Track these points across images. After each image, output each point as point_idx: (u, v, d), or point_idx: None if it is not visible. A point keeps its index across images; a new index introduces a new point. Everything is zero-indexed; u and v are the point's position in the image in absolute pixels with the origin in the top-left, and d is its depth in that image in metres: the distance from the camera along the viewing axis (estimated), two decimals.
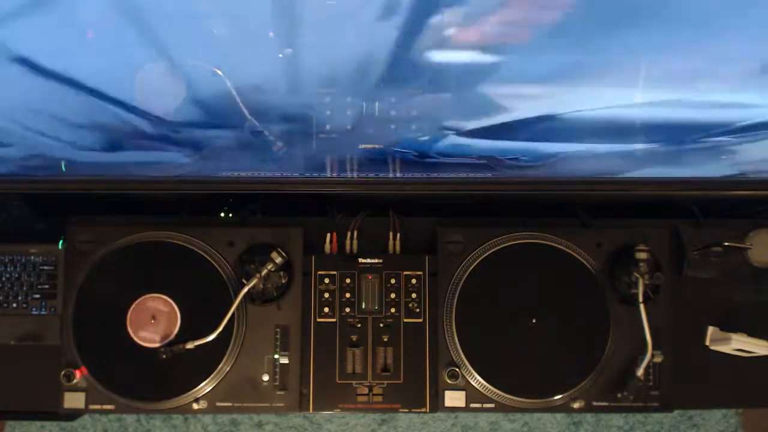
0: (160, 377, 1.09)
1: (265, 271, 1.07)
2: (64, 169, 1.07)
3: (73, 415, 1.28)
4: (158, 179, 1.08)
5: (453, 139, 0.94)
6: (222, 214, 1.23)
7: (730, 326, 1.14)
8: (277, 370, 1.11)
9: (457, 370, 1.09)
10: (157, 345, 1.08)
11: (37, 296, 1.17)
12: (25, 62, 0.73)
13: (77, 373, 1.08)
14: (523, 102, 0.83)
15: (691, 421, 1.69)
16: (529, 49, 0.72)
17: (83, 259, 1.12)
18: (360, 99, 0.81)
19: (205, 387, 1.09)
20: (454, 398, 1.10)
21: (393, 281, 1.13)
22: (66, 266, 1.14)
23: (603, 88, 0.82)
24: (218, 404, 1.10)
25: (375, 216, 1.20)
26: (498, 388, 1.09)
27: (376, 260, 1.14)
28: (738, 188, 1.09)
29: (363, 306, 1.13)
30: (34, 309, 1.17)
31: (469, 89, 0.80)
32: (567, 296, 1.11)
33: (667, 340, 1.11)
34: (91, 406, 1.09)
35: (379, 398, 1.11)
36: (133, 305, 1.09)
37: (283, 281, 1.11)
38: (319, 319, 1.12)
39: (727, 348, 1.13)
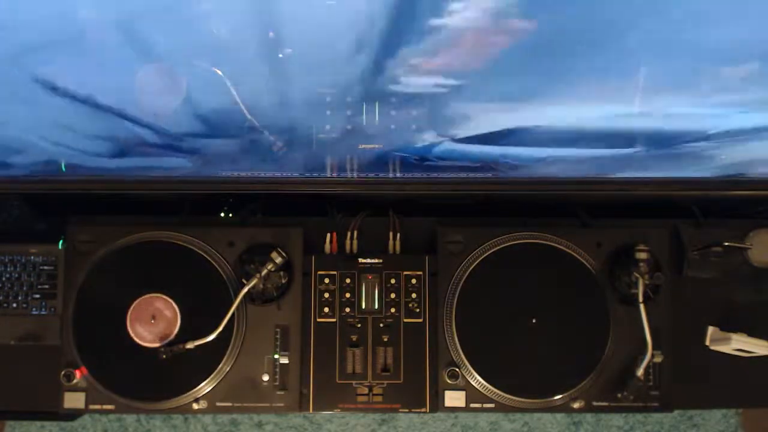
0: (160, 377, 1.09)
1: (265, 271, 1.07)
2: (64, 169, 1.07)
3: (73, 415, 1.28)
4: (158, 179, 1.08)
5: (448, 145, 0.98)
6: (222, 214, 1.23)
7: (730, 326, 1.14)
8: (277, 370, 1.11)
9: (457, 370, 1.09)
10: (157, 345, 1.08)
11: (37, 296, 1.17)
12: (44, 83, 0.82)
13: (77, 373, 1.08)
14: (498, 115, 0.90)
15: (691, 421, 1.69)
16: (490, 72, 0.80)
17: (83, 259, 1.12)
18: (343, 114, 0.88)
19: (205, 387, 1.09)
20: (454, 398, 1.10)
21: (393, 281, 1.13)
22: (66, 266, 1.14)
23: (569, 105, 0.88)
24: (218, 404, 1.10)
25: (375, 216, 1.20)
26: (498, 388, 1.09)
27: (376, 260, 1.14)
28: (738, 188, 1.08)
29: (363, 306, 1.13)
30: (34, 309, 1.17)
31: (442, 106, 0.87)
32: (567, 296, 1.11)
33: (667, 340, 1.11)
34: (91, 406, 1.09)
35: (379, 398, 1.11)
36: (133, 305, 1.09)
37: (283, 281, 1.11)
38: (319, 319, 1.12)
39: (727, 348, 1.13)
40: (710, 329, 1.16)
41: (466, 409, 1.10)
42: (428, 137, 0.96)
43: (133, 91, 0.84)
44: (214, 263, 1.12)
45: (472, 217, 1.19)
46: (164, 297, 1.10)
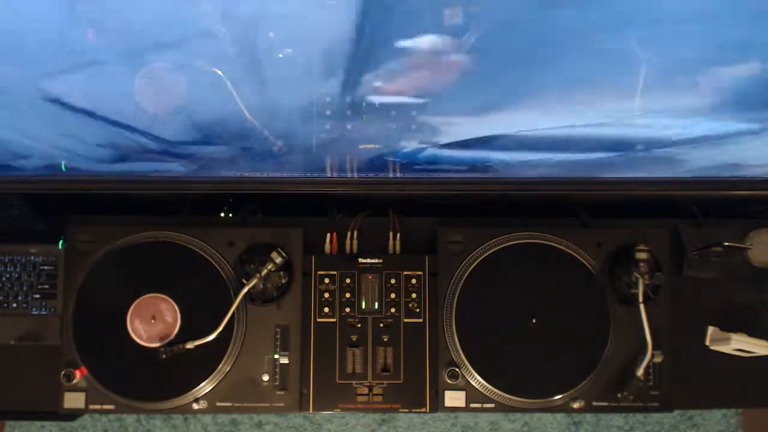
0: (160, 377, 1.09)
1: (265, 271, 1.07)
2: (64, 169, 1.07)
3: (73, 415, 1.28)
4: (158, 179, 1.08)
5: (433, 150, 1.02)
6: (222, 214, 1.23)
7: (730, 326, 1.14)
8: (277, 370, 1.11)
9: (457, 370, 1.09)
10: (157, 345, 1.08)
11: (37, 296, 1.17)
12: (53, 100, 0.90)
13: (77, 373, 1.08)
14: (468, 126, 0.95)
15: (691, 421, 1.69)
16: (451, 91, 0.88)
17: (83, 259, 1.12)
18: (327, 123, 0.95)
19: (205, 387, 1.09)
20: (454, 398, 1.10)
21: (393, 281, 1.13)
22: (66, 266, 1.14)
23: (533, 115, 0.94)
24: (218, 404, 1.10)
25: (375, 216, 1.20)
26: (498, 388, 1.09)
27: (376, 260, 1.14)
28: (738, 188, 1.09)
29: (363, 306, 1.13)
30: (34, 309, 1.17)
31: (414, 118, 0.93)
32: (567, 296, 1.11)
33: (667, 340, 1.11)
34: (91, 406, 1.09)
35: (379, 398, 1.11)
36: (133, 305, 1.09)
37: (283, 281, 1.11)
38: (319, 319, 1.12)
39: (727, 348, 1.13)
40: (710, 329, 1.16)
41: (466, 409, 1.10)
42: (411, 144, 1.00)
43: (132, 103, 0.90)
44: (214, 263, 1.12)
45: (472, 217, 1.19)
46: (164, 297, 1.10)
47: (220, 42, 0.80)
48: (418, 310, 1.12)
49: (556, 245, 1.13)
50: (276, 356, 1.11)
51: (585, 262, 1.12)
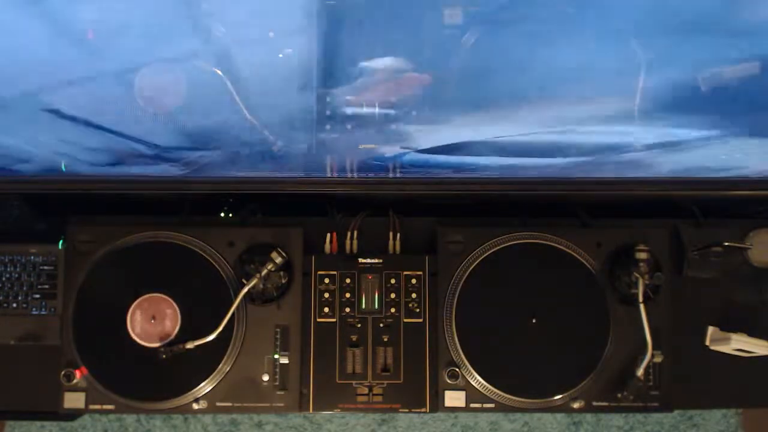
0: (160, 377, 1.09)
1: (265, 271, 1.07)
2: (64, 169, 1.07)
3: (73, 415, 1.28)
4: (158, 179, 1.08)
5: (414, 155, 1.05)
6: (222, 214, 1.23)
7: (730, 326, 1.14)
8: (277, 370, 1.11)
9: (457, 370, 1.09)
10: (157, 345, 1.08)
11: (37, 296, 1.17)
12: (51, 111, 0.95)
13: (77, 373, 1.08)
14: (439, 134, 1.00)
15: (691, 421, 1.69)
16: (416, 102, 0.94)
17: (83, 259, 1.12)
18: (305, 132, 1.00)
19: (205, 387, 1.09)
20: (454, 398, 1.10)
21: (393, 281, 1.13)
22: (66, 266, 1.14)
23: (495, 125, 0.99)
24: (218, 404, 1.10)
25: (375, 216, 1.20)
26: (498, 388, 1.09)
27: (376, 260, 1.14)
28: (738, 188, 1.09)
29: (363, 306, 1.13)
30: (34, 309, 1.17)
31: (386, 126, 0.98)
32: (567, 296, 1.11)
33: (667, 340, 1.11)
34: (91, 406, 1.09)
35: (379, 398, 1.11)
36: (133, 305, 1.09)
37: (283, 281, 1.11)
38: (319, 319, 1.12)
39: (727, 348, 1.13)
40: (710, 329, 1.16)
41: (466, 409, 1.10)
42: (391, 150, 1.03)
43: (127, 111, 0.95)
44: (214, 263, 1.12)
45: (472, 217, 1.19)
46: (164, 297, 1.10)
47: (201, 62, 0.86)
48: (418, 310, 1.12)
49: (556, 245, 1.13)
50: (276, 356, 1.11)
51: (585, 262, 1.12)
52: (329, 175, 1.09)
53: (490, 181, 1.08)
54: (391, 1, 0.79)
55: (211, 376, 1.09)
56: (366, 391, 1.11)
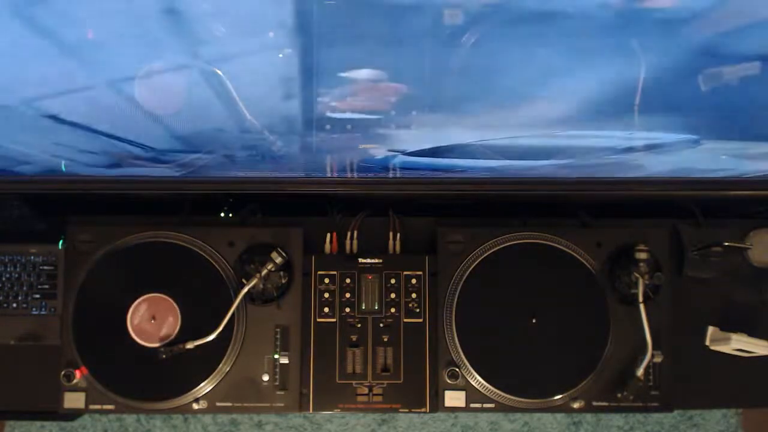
0: (160, 377, 1.09)
1: (265, 271, 1.07)
2: (64, 169, 1.07)
3: (73, 415, 1.29)
4: (158, 179, 1.08)
5: (403, 158, 1.06)
6: (222, 214, 1.23)
7: (730, 326, 1.14)
8: (277, 370, 1.11)
9: (457, 370, 1.09)
10: (157, 345, 1.08)
11: (37, 296, 1.17)
12: (49, 116, 0.95)
13: (77, 373, 1.08)
14: (425, 136, 1.01)
15: (691, 421, 1.69)
16: (400, 108, 0.95)
17: (83, 259, 1.12)
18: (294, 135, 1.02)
19: (205, 387, 1.09)
20: (454, 398, 1.10)
21: (393, 281, 1.13)
22: (66, 266, 1.14)
23: (479, 129, 1.00)
24: (218, 404, 1.10)
25: (375, 216, 1.20)
26: (498, 388, 1.09)
27: (376, 260, 1.14)
28: (738, 188, 1.09)
29: (363, 306, 1.13)
30: (34, 309, 1.17)
31: (372, 130, 0.99)
32: (567, 296, 1.11)
33: (667, 340, 1.11)
34: (91, 406, 1.09)
35: (379, 398, 1.11)
36: (133, 305, 1.09)
37: (283, 281, 1.11)
38: (319, 319, 1.12)
39: (727, 348, 1.13)
40: (710, 329, 1.16)
41: (466, 409, 1.10)
42: (380, 152, 1.04)
43: (126, 117, 0.96)
44: (214, 263, 1.12)
45: (472, 217, 1.19)
46: (164, 297, 1.10)
47: (196, 67, 0.88)
48: (418, 310, 1.12)
49: (556, 245, 1.13)
50: (276, 356, 1.11)
51: (585, 262, 1.12)
52: (329, 175, 1.09)
53: (490, 181, 1.08)
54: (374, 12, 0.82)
55: (211, 376, 1.09)
56: (366, 391, 1.11)
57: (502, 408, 1.10)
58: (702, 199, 1.17)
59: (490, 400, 1.10)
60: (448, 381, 1.09)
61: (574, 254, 1.12)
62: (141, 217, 1.16)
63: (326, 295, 1.13)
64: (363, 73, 0.87)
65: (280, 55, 0.87)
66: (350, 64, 0.86)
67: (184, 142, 1.03)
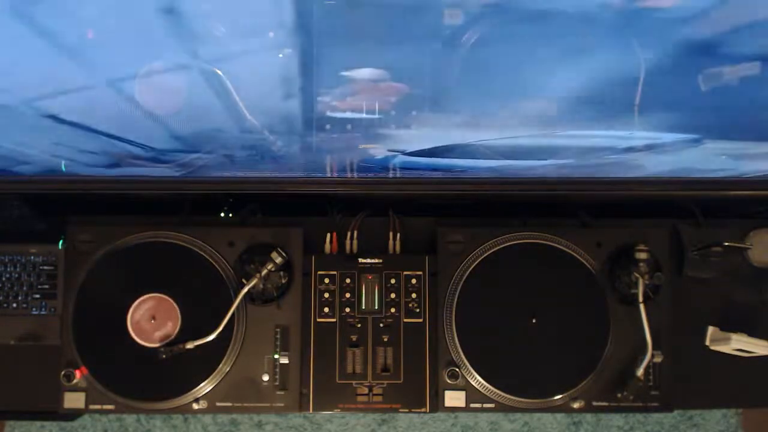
0: (160, 377, 1.09)
1: (265, 271, 1.07)
2: (64, 169, 1.07)
3: (73, 415, 1.29)
4: (158, 179, 1.08)
5: (402, 158, 1.06)
6: (222, 214, 1.23)
7: (730, 326, 1.14)
8: (277, 370, 1.11)
9: (457, 370, 1.09)
10: (157, 345, 1.08)
11: (37, 296, 1.17)
12: (49, 116, 0.96)
13: (77, 373, 1.08)
14: (425, 136, 1.02)
15: (691, 421, 1.69)
16: (399, 108, 0.96)
17: (83, 259, 1.12)
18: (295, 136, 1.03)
19: (205, 387, 1.09)
20: (454, 398, 1.10)
21: (393, 281, 1.13)
22: (66, 266, 1.14)
23: (477, 130, 1.01)
24: (218, 404, 1.10)
25: (375, 216, 1.20)
26: (498, 388, 1.09)
27: (376, 260, 1.14)
28: (738, 188, 1.09)
29: (363, 306, 1.13)
30: (34, 309, 1.17)
31: (372, 130, 0.99)
32: (567, 296, 1.11)
33: (667, 340, 1.11)
34: (91, 406, 1.09)
35: (379, 398, 1.11)
36: (134, 305, 1.09)
37: (283, 281, 1.11)
38: (319, 319, 1.12)
39: (727, 348, 1.13)
40: (710, 329, 1.16)
41: (466, 409, 1.10)
42: (380, 152, 1.05)
43: (120, 117, 0.97)
44: (214, 263, 1.12)
45: (472, 217, 1.19)
46: (164, 297, 1.10)
47: (196, 66, 0.89)
48: (418, 310, 1.12)
49: (556, 245, 1.13)
50: (276, 356, 1.11)
51: (585, 262, 1.12)
52: (329, 175, 1.09)
53: (490, 181, 1.08)
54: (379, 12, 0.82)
55: (211, 376, 1.09)
56: (366, 391, 1.11)
57: (502, 408, 1.10)
58: (702, 199, 1.17)
59: (490, 400, 1.10)
60: (448, 381, 1.09)
61: (574, 254, 1.12)
62: (141, 217, 1.16)
63: (326, 295, 1.13)
64: (363, 73, 0.87)
65: (280, 55, 0.87)
66: (350, 63, 0.86)
67: (184, 142, 1.03)
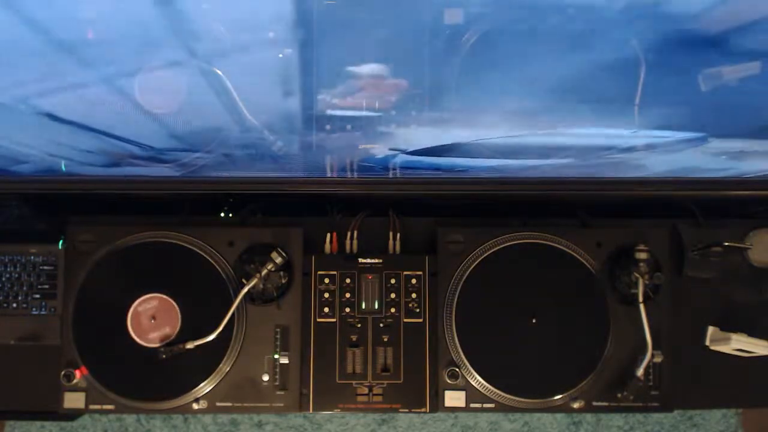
0: (160, 377, 1.09)
1: (265, 271, 1.07)
2: (64, 169, 1.07)
3: (73, 415, 1.28)
4: (158, 179, 1.08)
5: (403, 157, 1.06)
6: (222, 214, 1.23)
7: (730, 326, 1.14)
8: (277, 370, 1.11)
9: (457, 370, 1.09)
10: (157, 345, 1.08)
11: (37, 296, 1.17)
12: (46, 114, 0.97)
13: (77, 373, 1.08)
14: (425, 134, 1.02)
15: (691, 421, 1.69)
16: (399, 106, 0.97)
17: (83, 259, 1.12)
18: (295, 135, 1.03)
19: (205, 387, 1.09)
20: (454, 398, 1.10)
21: (393, 281, 1.13)
22: (66, 266, 1.14)
23: (486, 125, 1.01)
24: (218, 404, 1.10)
25: (375, 216, 1.20)
26: (498, 388, 1.09)
27: (376, 260, 1.14)
28: (738, 188, 1.09)
29: (363, 306, 1.13)
30: (34, 309, 1.17)
31: (372, 128, 1.00)
32: (567, 296, 1.11)
33: (667, 340, 1.11)
34: (91, 406, 1.09)
35: (379, 398, 1.11)
36: (134, 305, 1.09)
37: (283, 281, 1.11)
38: (319, 319, 1.12)
39: (727, 348, 1.13)
40: (710, 329, 1.16)
41: (466, 409, 1.10)
42: (380, 151, 1.05)
43: (118, 115, 0.98)
44: (214, 263, 1.12)
45: (472, 217, 1.19)
46: (164, 297, 1.10)
47: (196, 65, 0.89)
48: (418, 310, 1.12)
49: (556, 245, 1.13)
50: (276, 356, 1.11)
51: (585, 262, 1.12)
52: (329, 175, 1.09)
53: (490, 181, 1.08)
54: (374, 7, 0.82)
55: (211, 376, 1.09)
56: (366, 391, 1.11)
57: (502, 408, 1.10)
58: (702, 199, 1.17)
59: (490, 400, 1.10)
60: (448, 381, 1.09)
61: (574, 254, 1.12)
62: (141, 217, 1.16)
63: (326, 295, 1.13)
64: (363, 71, 0.87)
65: (280, 54, 0.87)
66: (350, 61, 0.86)
67: (184, 142, 1.03)
